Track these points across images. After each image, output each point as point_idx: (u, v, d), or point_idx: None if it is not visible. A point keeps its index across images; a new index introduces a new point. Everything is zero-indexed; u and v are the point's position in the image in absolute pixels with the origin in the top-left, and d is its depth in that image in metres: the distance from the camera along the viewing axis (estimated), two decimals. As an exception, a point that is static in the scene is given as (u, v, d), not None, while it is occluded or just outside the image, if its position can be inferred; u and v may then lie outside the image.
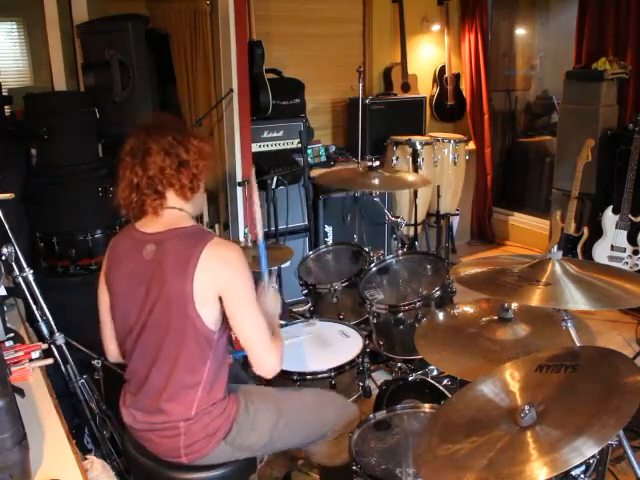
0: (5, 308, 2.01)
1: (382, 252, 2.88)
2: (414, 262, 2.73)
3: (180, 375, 1.64)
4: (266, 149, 4.04)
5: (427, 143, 4.42)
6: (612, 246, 3.84)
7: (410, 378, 2.22)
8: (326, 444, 1.89)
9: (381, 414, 1.86)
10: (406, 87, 4.93)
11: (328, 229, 4.16)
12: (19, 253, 2.08)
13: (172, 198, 1.69)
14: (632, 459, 1.36)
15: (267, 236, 3.79)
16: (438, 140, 4.56)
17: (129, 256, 1.69)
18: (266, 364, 1.68)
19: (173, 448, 1.67)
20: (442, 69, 5.18)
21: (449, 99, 5.23)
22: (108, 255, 1.77)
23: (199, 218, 3.87)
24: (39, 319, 2.13)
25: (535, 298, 1.48)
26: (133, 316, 1.69)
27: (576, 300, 1.45)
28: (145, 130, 1.69)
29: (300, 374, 2.08)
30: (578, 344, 1.53)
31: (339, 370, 2.11)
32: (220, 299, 1.62)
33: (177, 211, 1.69)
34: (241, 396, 1.78)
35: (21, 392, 1.62)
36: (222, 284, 1.61)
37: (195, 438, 1.66)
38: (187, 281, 1.58)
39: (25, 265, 2.11)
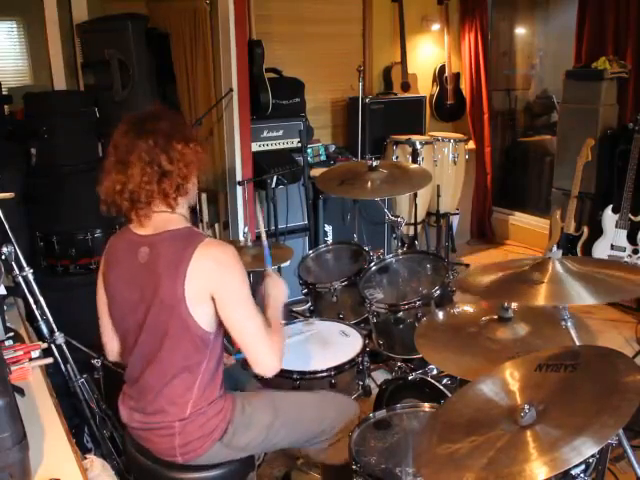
0: (5, 307, 2.00)
1: (382, 251, 2.88)
2: (414, 261, 2.72)
3: (176, 376, 1.63)
4: (266, 148, 4.04)
5: (427, 142, 4.42)
6: (612, 245, 3.84)
7: (410, 377, 2.21)
8: (326, 443, 1.88)
9: (381, 413, 1.86)
10: (406, 86, 4.93)
11: (328, 228, 4.16)
12: (19, 252, 2.09)
13: (158, 205, 1.65)
14: (632, 458, 1.36)
15: (267, 236, 3.78)
16: (438, 139, 4.56)
17: (125, 258, 1.69)
18: (264, 364, 1.66)
19: (169, 447, 1.67)
20: (442, 68, 5.18)
21: (449, 98, 5.23)
22: (105, 255, 1.77)
23: (198, 213, 3.87)
24: (39, 318, 2.13)
25: (540, 298, 1.48)
26: (130, 319, 1.69)
27: (580, 295, 1.45)
28: (131, 127, 1.64)
29: (300, 373, 2.07)
30: (578, 343, 1.53)
31: (339, 369, 2.10)
32: (213, 299, 1.60)
33: (168, 214, 1.67)
34: (238, 397, 1.78)
35: (21, 391, 1.62)
36: (214, 284, 1.59)
37: (190, 438, 1.66)
38: (179, 283, 1.56)
39: (25, 264, 2.12)
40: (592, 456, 1.41)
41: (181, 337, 1.60)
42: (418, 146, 4.25)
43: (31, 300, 2.12)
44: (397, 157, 4.37)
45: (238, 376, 2.02)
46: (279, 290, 1.93)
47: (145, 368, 1.67)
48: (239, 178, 3.67)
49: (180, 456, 1.67)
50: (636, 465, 1.36)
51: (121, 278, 1.70)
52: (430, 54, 5.24)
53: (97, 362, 2.30)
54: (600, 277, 1.52)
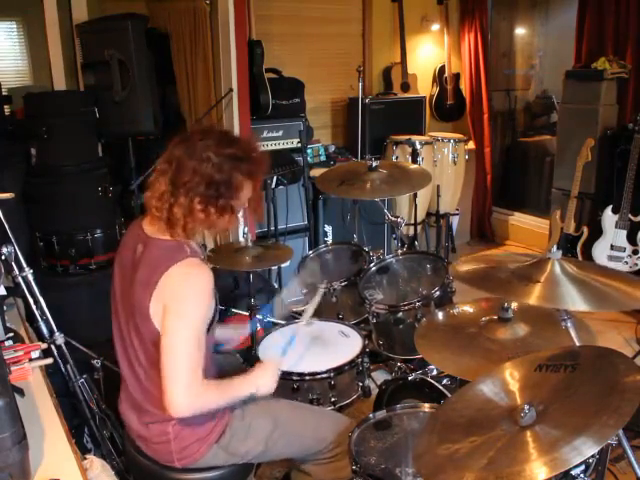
0: (5, 308, 2.00)
1: (382, 252, 2.88)
2: (414, 262, 2.72)
3: (158, 381, 1.59)
4: (266, 149, 4.04)
5: (427, 143, 4.42)
6: (612, 245, 3.83)
7: (410, 378, 2.21)
8: (324, 463, 1.86)
9: (381, 414, 1.86)
10: (406, 87, 4.93)
11: (328, 229, 4.16)
12: (19, 253, 2.09)
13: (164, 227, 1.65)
14: (632, 459, 1.36)
15: (267, 236, 3.79)
16: (438, 140, 4.56)
17: (128, 247, 1.70)
18: (172, 400, 1.50)
19: (166, 453, 1.67)
20: (442, 69, 5.18)
21: (449, 99, 5.23)
22: (123, 237, 1.79)
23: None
24: (39, 319, 2.13)
25: (533, 297, 1.48)
26: (120, 309, 1.69)
27: (574, 300, 1.45)
28: (194, 148, 1.59)
29: (299, 374, 2.07)
30: (578, 344, 1.53)
31: (338, 370, 2.10)
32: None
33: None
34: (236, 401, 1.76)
35: (21, 392, 1.62)
36: (167, 296, 1.54)
37: (185, 443, 1.65)
38: (147, 294, 1.55)
39: (25, 265, 2.12)
40: (592, 456, 1.41)
41: (153, 344, 1.58)
42: (418, 146, 4.25)
43: (31, 300, 2.12)
44: (397, 157, 4.37)
45: (222, 364, 1.99)
46: (266, 382, 1.75)
47: (133, 369, 1.66)
48: (239, 178, 3.66)
49: (177, 461, 1.67)
50: (636, 465, 1.36)
51: (120, 265, 1.72)
52: (430, 54, 5.24)
53: (97, 362, 2.30)
54: (597, 285, 1.51)
